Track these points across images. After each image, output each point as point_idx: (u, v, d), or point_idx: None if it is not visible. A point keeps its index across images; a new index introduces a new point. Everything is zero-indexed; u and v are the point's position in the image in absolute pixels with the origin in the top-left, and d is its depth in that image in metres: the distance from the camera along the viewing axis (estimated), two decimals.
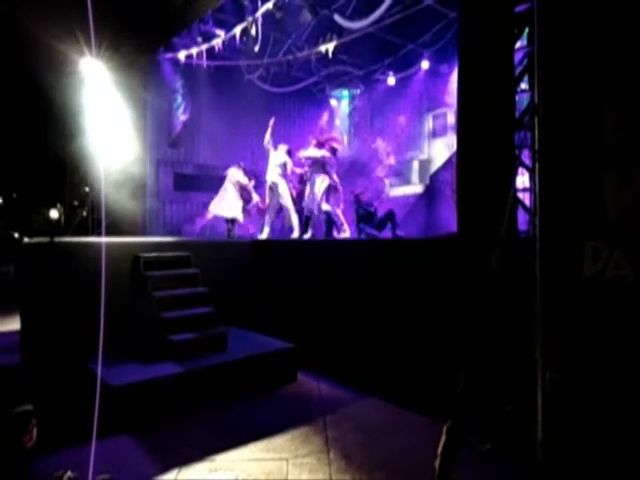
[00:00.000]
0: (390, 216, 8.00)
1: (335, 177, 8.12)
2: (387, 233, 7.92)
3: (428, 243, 5.42)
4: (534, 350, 3.34)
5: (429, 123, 12.27)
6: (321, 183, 7.87)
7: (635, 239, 2.89)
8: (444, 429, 3.02)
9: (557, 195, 3.28)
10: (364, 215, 8.28)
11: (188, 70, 10.84)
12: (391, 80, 12.08)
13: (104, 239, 5.83)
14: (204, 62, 10.23)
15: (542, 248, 3.29)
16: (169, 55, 10.42)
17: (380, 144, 11.64)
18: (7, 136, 11.81)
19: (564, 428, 3.11)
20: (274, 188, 8.27)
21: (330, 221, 8.04)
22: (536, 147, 3.34)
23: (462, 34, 4.68)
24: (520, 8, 4.02)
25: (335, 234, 7.98)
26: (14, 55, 10.38)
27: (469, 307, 3.98)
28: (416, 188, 10.62)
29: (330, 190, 8.00)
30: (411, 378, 4.65)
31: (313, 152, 8.07)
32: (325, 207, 7.89)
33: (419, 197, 9.92)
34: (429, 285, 4.71)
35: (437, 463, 2.94)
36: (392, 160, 11.51)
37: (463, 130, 4.62)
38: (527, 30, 4.02)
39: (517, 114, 3.97)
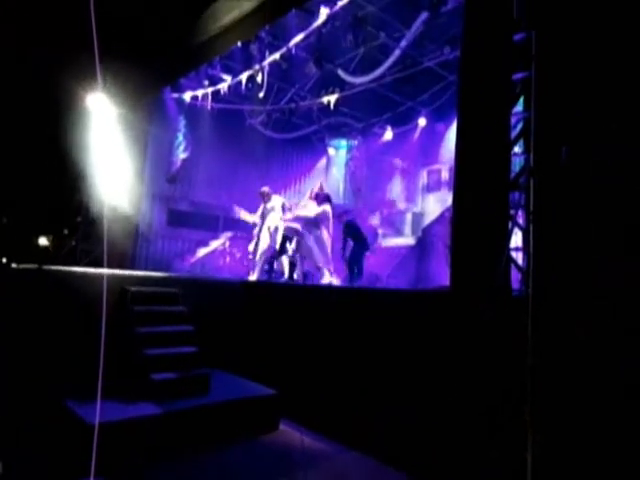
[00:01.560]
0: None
1: (328, 231, 8.12)
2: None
3: (419, 295, 5.41)
4: (523, 411, 3.29)
5: (424, 177, 12.57)
6: (314, 241, 7.90)
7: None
8: None
9: (551, 257, 3.34)
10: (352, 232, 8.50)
11: (192, 110, 11.09)
12: (388, 134, 12.44)
13: (95, 270, 5.75)
14: (209, 104, 10.48)
15: (535, 308, 3.31)
16: (175, 95, 10.69)
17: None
18: (5, 161, 11.85)
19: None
20: (272, 232, 8.30)
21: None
22: (531, 209, 3.42)
23: (461, 97, 4.86)
24: (517, 76, 4.22)
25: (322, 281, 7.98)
26: (23, 87, 10.58)
27: (460, 361, 3.94)
28: (408, 240, 10.73)
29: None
30: (396, 431, 4.52)
31: (309, 211, 8.08)
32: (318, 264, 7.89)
33: (411, 249, 10.00)
34: (418, 337, 4.67)
35: None
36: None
37: (459, 188, 4.72)
38: (523, 97, 4.22)
39: (512, 175, 4.09)
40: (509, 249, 3.96)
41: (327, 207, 8.04)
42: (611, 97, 3.33)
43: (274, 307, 6.72)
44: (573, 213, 3.21)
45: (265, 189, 8.76)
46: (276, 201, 8.58)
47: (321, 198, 8.16)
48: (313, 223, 7.95)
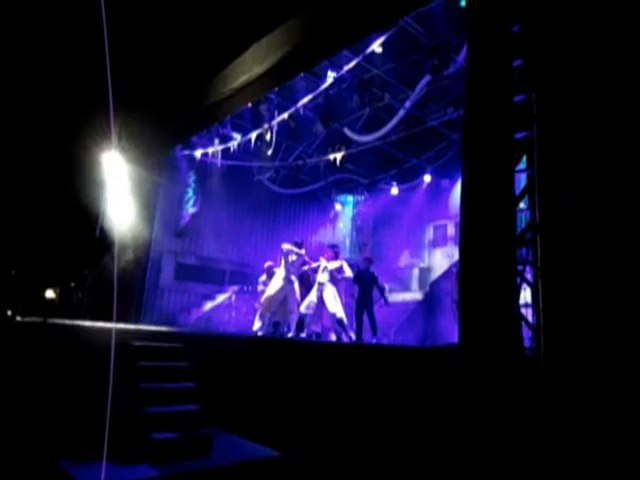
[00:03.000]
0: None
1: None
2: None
3: (428, 352, 5.30)
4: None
5: (429, 233, 12.62)
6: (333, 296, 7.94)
7: None
8: None
9: (561, 313, 3.28)
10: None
11: (202, 166, 11.39)
12: (394, 190, 12.64)
13: (101, 324, 5.71)
14: (219, 161, 10.78)
15: (547, 366, 3.22)
16: (186, 152, 11.02)
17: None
18: (16, 213, 12.11)
19: None
20: (287, 286, 8.32)
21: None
22: (538, 264, 3.40)
23: (464, 156, 4.95)
24: (519, 135, 4.32)
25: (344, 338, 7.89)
26: (39, 145, 10.98)
27: (470, 420, 3.79)
28: (415, 295, 10.63)
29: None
30: None
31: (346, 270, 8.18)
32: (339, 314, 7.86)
33: (418, 304, 9.90)
34: (428, 396, 4.52)
35: None
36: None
37: (465, 244, 4.71)
38: (526, 155, 4.30)
39: (518, 231, 4.11)
40: (519, 306, 3.91)
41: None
42: (612, 152, 3.38)
43: (280, 363, 6.58)
44: (581, 267, 3.19)
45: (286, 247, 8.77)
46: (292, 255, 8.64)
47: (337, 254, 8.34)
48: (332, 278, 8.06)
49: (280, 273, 8.42)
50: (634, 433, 2.75)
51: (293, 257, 8.46)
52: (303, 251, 8.64)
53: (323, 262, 8.27)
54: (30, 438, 4.72)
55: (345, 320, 7.88)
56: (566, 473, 2.94)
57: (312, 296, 8.08)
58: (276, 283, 8.36)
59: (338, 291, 8.07)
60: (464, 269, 4.68)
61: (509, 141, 4.29)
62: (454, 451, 3.95)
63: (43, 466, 4.44)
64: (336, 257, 8.28)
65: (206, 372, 6.03)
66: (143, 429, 4.82)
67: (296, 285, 8.35)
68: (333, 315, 7.82)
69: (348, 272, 8.15)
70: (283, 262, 8.49)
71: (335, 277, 8.08)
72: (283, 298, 8.31)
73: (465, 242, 4.72)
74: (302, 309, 8.05)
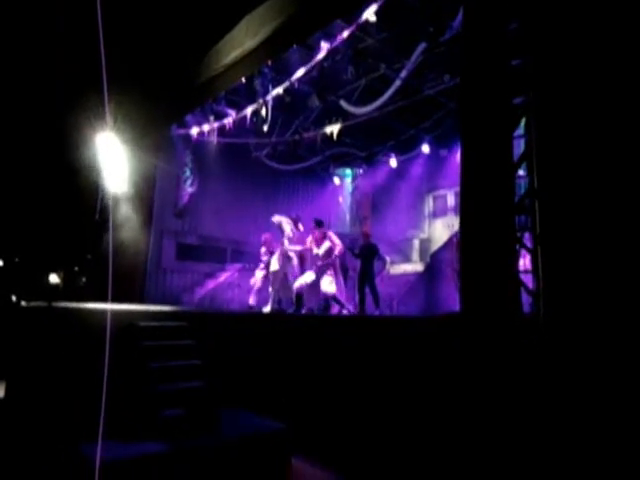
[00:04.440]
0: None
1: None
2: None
3: (431, 321, 5.35)
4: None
5: (429, 204, 12.59)
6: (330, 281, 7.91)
7: None
8: None
9: (559, 278, 3.30)
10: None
11: (198, 145, 11.30)
12: (393, 162, 12.54)
13: (107, 306, 5.75)
14: (214, 139, 10.68)
15: (546, 329, 3.25)
16: (181, 131, 10.91)
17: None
18: (16, 199, 12.09)
19: None
20: (287, 261, 8.31)
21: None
22: (537, 230, 3.40)
23: (463, 123, 4.90)
24: (518, 100, 4.27)
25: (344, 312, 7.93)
26: (34, 127, 10.87)
27: (473, 385, 3.85)
28: (417, 266, 10.66)
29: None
30: (411, 460, 4.39)
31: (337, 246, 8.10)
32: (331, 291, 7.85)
33: (420, 275, 9.94)
34: (431, 364, 4.58)
35: None
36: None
37: (466, 213, 4.71)
38: (525, 119, 4.25)
39: (517, 198, 4.09)
40: (518, 271, 3.93)
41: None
42: (611, 115, 3.34)
43: (284, 339, 6.65)
44: (579, 232, 3.19)
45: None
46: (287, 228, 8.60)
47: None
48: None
49: (279, 250, 8.42)
50: (627, 391, 2.79)
51: (288, 229, 8.41)
52: (301, 227, 8.59)
53: (314, 249, 8.17)
54: (42, 419, 4.82)
55: (338, 296, 7.84)
56: (564, 428, 3.00)
57: (307, 276, 8.09)
58: (276, 260, 8.37)
59: (335, 270, 7.99)
60: (464, 237, 4.69)
61: (507, 106, 4.24)
62: (457, 415, 4.03)
63: (52, 445, 4.54)
64: (323, 237, 8.14)
65: (211, 349, 6.11)
66: (152, 407, 4.91)
67: (295, 261, 8.32)
68: (325, 293, 7.80)
69: (338, 248, 8.00)
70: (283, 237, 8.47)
71: (328, 261, 8.00)
72: (283, 275, 8.33)
73: (465, 210, 4.72)
74: (296, 285, 8.07)
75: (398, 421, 4.72)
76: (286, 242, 8.37)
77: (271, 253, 8.76)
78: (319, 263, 7.97)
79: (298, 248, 8.35)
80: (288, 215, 8.75)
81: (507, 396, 3.41)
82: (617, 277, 3.01)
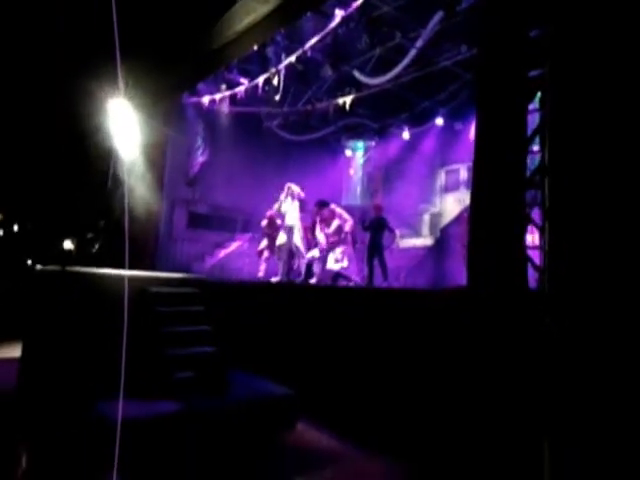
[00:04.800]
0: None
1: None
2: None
3: (437, 294, 5.39)
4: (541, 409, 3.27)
5: (442, 178, 12.48)
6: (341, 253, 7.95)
7: None
8: None
9: (567, 254, 3.30)
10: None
11: (210, 114, 11.25)
12: (406, 134, 12.39)
13: (117, 271, 5.87)
14: (226, 108, 10.61)
15: (552, 304, 3.28)
16: (193, 99, 10.85)
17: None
18: (29, 167, 12.20)
19: None
20: (291, 230, 8.30)
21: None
22: (546, 206, 3.39)
23: (479, 95, 4.83)
24: (534, 73, 4.19)
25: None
26: (46, 93, 10.87)
27: (478, 358, 3.93)
28: (426, 240, 10.67)
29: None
30: (414, 428, 4.52)
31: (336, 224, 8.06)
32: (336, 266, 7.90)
33: (429, 249, 9.96)
34: (437, 336, 4.66)
35: None
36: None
37: (477, 187, 4.68)
38: (539, 94, 4.18)
39: (529, 173, 4.06)
40: (525, 247, 3.94)
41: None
42: (628, 94, 3.28)
43: (293, 307, 6.76)
44: (589, 210, 3.18)
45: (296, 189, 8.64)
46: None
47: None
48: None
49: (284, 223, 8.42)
50: (632, 367, 2.83)
51: (290, 202, 8.33)
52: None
53: (324, 229, 8.14)
54: (58, 378, 5.00)
55: (343, 271, 7.90)
56: (569, 401, 3.07)
57: (315, 252, 8.16)
58: (283, 233, 8.37)
59: (346, 246, 7.99)
60: (474, 211, 4.69)
61: (523, 78, 4.16)
62: (465, 387, 4.12)
63: (69, 403, 4.72)
64: (332, 215, 8.08)
65: (221, 316, 6.24)
66: (165, 369, 5.09)
67: (296, 230, 8.28)
68: (330, 270, 7.87)
69: (349, 224, 7.98)
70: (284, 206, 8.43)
71: (339, 238, 7.96)
72: (289, 245, 8.37)
73: (476, 183, 4.70)
74: (308, 255, 8.15)
75: (403, 389, 4.83)
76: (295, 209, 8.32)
77: (274, 229, 8.77)
78: (330, 240, 7.99)
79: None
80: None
81: (512, 369, 3.48)
82: (624, 257, 3.02)
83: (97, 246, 11.93)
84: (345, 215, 8.11)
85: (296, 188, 8.44)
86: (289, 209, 8.33)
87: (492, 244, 4.28)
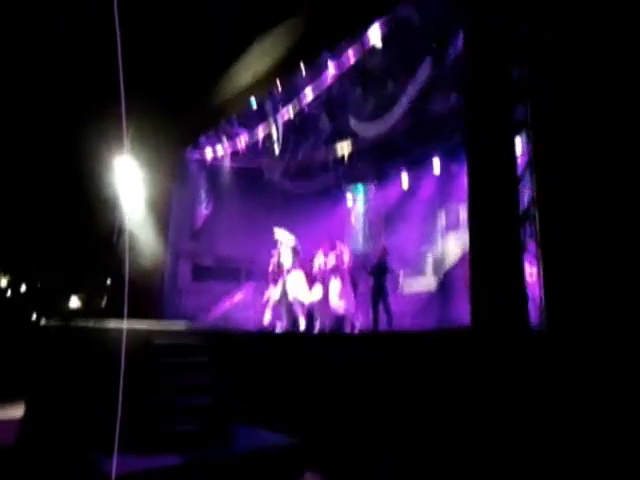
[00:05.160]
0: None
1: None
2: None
3: (442, 335, 5.36)
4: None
5: (442, 218, 12.56)
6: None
7: None
8: None
9: (562, 287, 3.31)
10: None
11: (213, 167, 11.57)
12: (404, 177, 12.61)
13: (120, 325, 5.88)
14: (228, 163, 10.94)
15: (550, 340, 3.26)
16: (196, 155, 11.21)
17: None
18: (37, 226, 12.44)
19: None
20: (285, 281, 8.45)
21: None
22: (538, 239, 3.44)
23: (467, 138, 5.00)
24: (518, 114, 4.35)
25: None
26: (54, 152, 11.26)
27: (484, 398, 3.85)
28: (430, 281, 10.63)
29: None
30: (422, 472, 4.37)
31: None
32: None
33: (433, 293, 9.91)
34: (443, 378, 4.59)
35: None
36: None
37: (474, 226, 4.77)
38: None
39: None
40: (524, 282, 3.95)
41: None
42: (610, 131, 3.39)
43: (296, 357, 6.70)
44: (580, 241, 3.21)
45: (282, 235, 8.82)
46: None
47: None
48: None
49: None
50: (627, 398, 2.78)
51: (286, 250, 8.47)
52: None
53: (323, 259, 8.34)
54: (60, 436, 4.92)
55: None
56: (571, 440, 2.99)
57: (315, 292, 8.24)
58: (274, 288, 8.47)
59: (343, 278, 8.14)
60: (473, 250, 4.74)
61: (508, 117, 4.32)
62: (469, 427, 4.02)
63: (71, 461, 4.62)
64: (333, 247, 8.40)
65: (225, 367, 6.18)
66: (167, 421, 4.99)
67: (291, 277, 8.36)
68: (335, 311, 7.95)
69: (346, 254, 8.37)
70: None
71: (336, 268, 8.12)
72: (285, 294, 8.45)
73: (472, 223, 4.78)
74: (307, 302, 8.22)
75: (409, 436, 4.71)
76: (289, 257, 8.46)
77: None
78: (327, 271, 8.14)
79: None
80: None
81: (513, 406, 3.41)
82: (618, 287, 3.02)
83: (104, 302, 11.97)
84: (343, 248, 8.28)
85: (283, 234, 8.64)
86: (284, 258, 8.51)
87: (491, 281, 4.30)
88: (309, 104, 8.83)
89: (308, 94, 8.69)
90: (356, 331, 7.86)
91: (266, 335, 7.54)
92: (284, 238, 8.51)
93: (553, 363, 3.35)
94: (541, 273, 3.42)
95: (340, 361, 5.91)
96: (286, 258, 8.40)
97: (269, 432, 5.75)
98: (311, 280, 8.72)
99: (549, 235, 3.42)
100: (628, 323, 2.99)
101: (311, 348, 6.54)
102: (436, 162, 11.78)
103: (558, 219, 3.38)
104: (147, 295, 10.15)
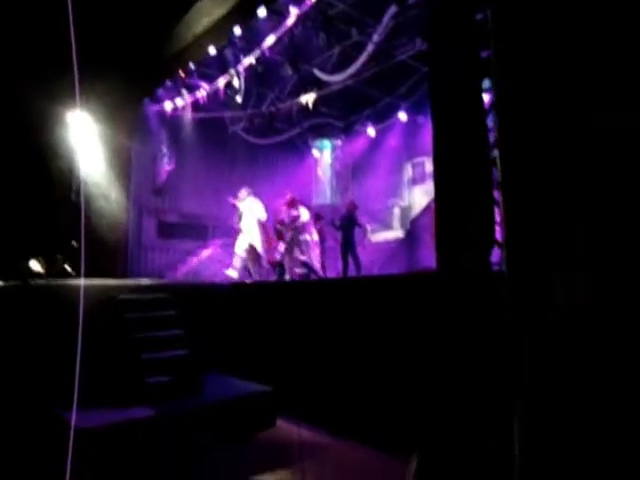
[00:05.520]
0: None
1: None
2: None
3: (407, 279, 5.44)
4: (510, 382, 3.32)
5: (408, 171, 12.62)
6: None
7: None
8: (414, 455, 2.94)
9: (523, 228, 3.38)
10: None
11: (173, 121, 11.14)
12: (371, 131, 12.50)
13: (82, 281, 5.75)
14: (189, 114, 10.53)
15: (511, 282, 3.34)
16: (155, 107, 10.73)
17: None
18: None
19: (542, 459, 3.04)
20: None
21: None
22: (499, 181, 3.47)
23: (432, 84, 4.91)
24: (485, 54, 4.28)
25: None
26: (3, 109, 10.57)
27: (445, 341, 3.97)
28: (397, 233, 10.77)
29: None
30: (390, 418, 4.54)
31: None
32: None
33: (400, 242, 10.06)
34: (409, 322, 4.69)
35: None
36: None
37: (438, 169, 4.75)
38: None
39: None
40: (492, 222, 3.99)
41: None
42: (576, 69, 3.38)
43: (265, 306, 6.73)
44: (543, 183, 3.26)
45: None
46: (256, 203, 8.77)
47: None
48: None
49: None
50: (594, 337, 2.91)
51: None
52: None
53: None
54: (30, 389, 4.85)
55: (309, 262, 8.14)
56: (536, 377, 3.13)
57: (280, 246, 8.41)
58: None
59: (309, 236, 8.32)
60: (438, 195, 4.75)
61: (474, 59, 4.26)
62: (437, 369, 4.15)
63: (42, 414, 4.59)
64: (293, 206, 8.59)
65: (193, 320, 6.17)
66: (136, 375, 4.99)
67: (254, 231, 8.47)
68: (297, 259, 8.14)
69: (304, 216, 8.48)
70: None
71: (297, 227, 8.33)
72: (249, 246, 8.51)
73: (437, 169, 4.77)
74: (277, 255, 8.38)
75: (378, 377, 4.85)
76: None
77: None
78: (292, 226, 8.29)
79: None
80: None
81: (474, 341, 3.53)
82: (580, 232, 3.09)
83: (67, 267, 11.63)
84: (302, 209, 8.50)
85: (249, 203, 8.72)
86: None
87: (456, 224, 4.34)
88: (271, 51, 8.49)
89: (269, 41, 8.34)
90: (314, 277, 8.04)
91: (235, 286, 7.53)
92: (250, 206, 8.55)
93: (512, 301, 3.45)
94: (502, 215, 3.47)
95: (308, 308, 5.97)
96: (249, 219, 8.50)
97: (241, 380, 5.84)
98: (276, 235, 8.79)
99: (510, 177, 3.45)
100: (587, 261, 3.09)
101: (280, 296, 6.57)
102: (402, 115, 11.70)
103: (519, 162, 3.41)
104: (111, 254, 9.92)
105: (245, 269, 8.64)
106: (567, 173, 3.24)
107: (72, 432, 3.16)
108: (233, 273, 8.46)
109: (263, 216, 8.54)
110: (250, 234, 8.46)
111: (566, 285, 3.17)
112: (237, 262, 8.55)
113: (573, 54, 3.41)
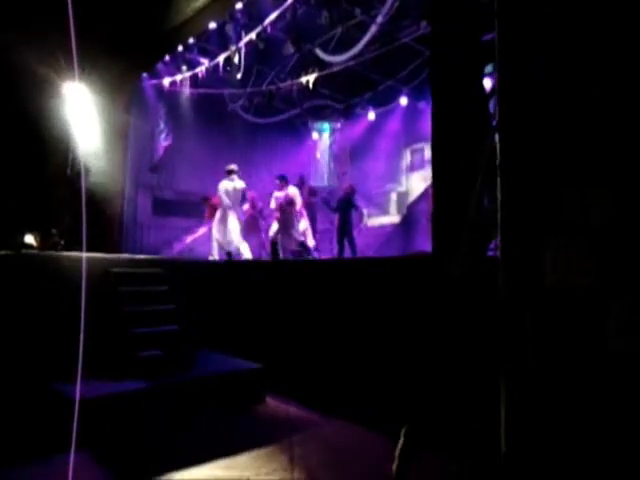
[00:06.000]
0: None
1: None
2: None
3: (402, 261, 5.45)
4: (497, 362, 3.35)
5: (407, 157, 12.59)
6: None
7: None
8: (402, 431, 2.98)
9: (517, 209, 3.37)
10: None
11: (172, 97, 11.02)
12: (371, 115, 12.42)
13: (77, 253, 5.74)
14: (187, 89, 10.41)
15: (504, 260, 3.35)
16: (153, 82, 10.60)
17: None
18: None
19: (529, 441, 3.09)
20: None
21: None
22: (497, 162, 3.45)
23: (434, 67, 4.88)
24: (487, 37, 4.24)
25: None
26: None
27: (437, 322, 4.00)
28: (394, 218, 10.78)
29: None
30: (379, 397, 4.59)
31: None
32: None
33: (396, 226, 10.07)
34: (401, 303, 4.72)
35: (394, 466, 2.88)
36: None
37: (436, 155, 4.75)
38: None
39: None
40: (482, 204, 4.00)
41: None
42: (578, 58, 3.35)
43: (257, 284, 6.74)
44: (543, 169, 3.25)
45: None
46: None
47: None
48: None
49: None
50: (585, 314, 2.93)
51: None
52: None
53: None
54: (20, 363, 4.87)
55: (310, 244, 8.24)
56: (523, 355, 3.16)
57: (273, 226, 8.54)
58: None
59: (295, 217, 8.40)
60: (435, 179, 4.75)
61: (476, 43, 4.22)
62: (427, 349, 4.19)
63: (35, 387, 4.61)
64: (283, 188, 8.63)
65: (186, 296, 6.19)
66: (129, 348, 5.01)
67: (232, 215, 8.57)
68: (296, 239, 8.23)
69: (298, 201, 8.57)
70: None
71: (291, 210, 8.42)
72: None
73: (436, 151, 4.77)
74: (271, 234, 8.45)
75: (369, 357, 4.89)
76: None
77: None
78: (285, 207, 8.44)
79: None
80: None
81: (467, 328, 3.56)
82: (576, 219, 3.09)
83: (62, 242, 11.59)
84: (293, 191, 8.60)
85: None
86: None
87: (454, 205, 4.35)
88: (273, 27, 8.36)
89: (271, 16, 8.21)
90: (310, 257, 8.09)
91: (228, 263, 7.53)
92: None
93: (507, 286, 3.46)
94: (500, 199, 3.46)
95: (302, 288, 5.98)
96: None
97: (232, 357, 5.88)
98: (270, 215, 8.85)
99: (509, 163, 3.43)
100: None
101: (273, 275, 6.58)
102: (403, 100, 11.61)
103: (519, 147, 3.39)
104: (106, 229, 9.89)
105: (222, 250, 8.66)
106: (567, 159, 3.24)
107: (77, 404, 3.16)
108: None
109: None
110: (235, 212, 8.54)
111: (561, 268, 3.19)
112: (214, 249, 8.67)
113: (582, 38, 3.37)
